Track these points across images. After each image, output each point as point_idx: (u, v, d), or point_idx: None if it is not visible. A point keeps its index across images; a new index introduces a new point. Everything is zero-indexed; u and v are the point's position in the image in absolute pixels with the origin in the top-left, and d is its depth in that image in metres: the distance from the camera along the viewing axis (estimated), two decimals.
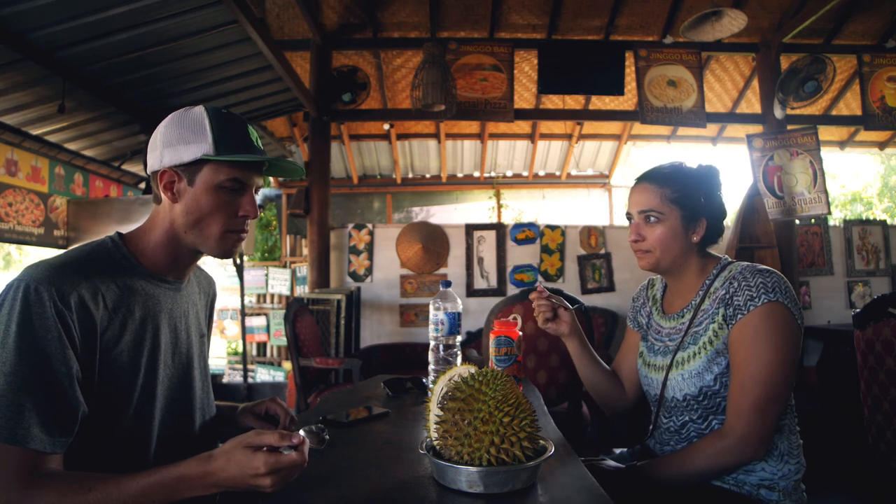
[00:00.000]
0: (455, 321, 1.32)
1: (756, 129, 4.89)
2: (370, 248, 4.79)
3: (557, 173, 7.71)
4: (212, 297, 1.23)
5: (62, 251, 0.94)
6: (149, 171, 1.00)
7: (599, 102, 5.65)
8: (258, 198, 1.05)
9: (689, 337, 1.21)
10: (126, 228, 1.05)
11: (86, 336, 0.85)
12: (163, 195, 0.98)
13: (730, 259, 1.26)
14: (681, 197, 1.21)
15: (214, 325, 1.22)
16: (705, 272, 1.25)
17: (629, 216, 1.28)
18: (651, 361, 1.31)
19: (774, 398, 1.07)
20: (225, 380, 5.46)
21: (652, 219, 1.22)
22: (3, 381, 0.78)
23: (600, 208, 7.84)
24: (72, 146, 4.21)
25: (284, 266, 5.55)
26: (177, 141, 0.95)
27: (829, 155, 6.24)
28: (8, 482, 0.76)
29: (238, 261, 4.40)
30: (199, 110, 0.98)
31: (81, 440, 0.85)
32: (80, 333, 0.84)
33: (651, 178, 1.25)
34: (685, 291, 1.28)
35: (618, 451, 1.38)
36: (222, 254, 1.01)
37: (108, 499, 0.76)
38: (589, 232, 4.89)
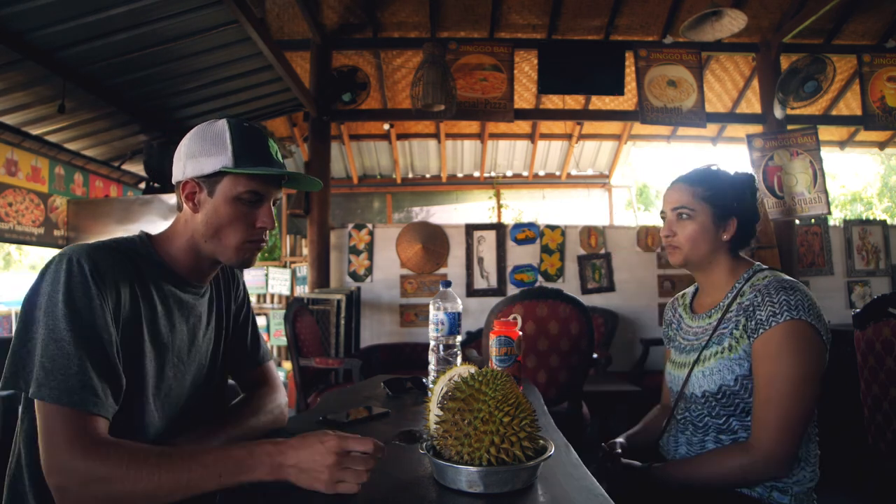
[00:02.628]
0: (455, 321, 1.32)
1: (756, 129, 4.89)
2: (370, 248, 4.79)
3: (557, 173, 7.71)
4: (237, 294, 1.22)
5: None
6: (173, 181, 1.04)
7: (599, 102, 5.65)
8: (275, 209, 1.07)
9: (715, 337, 1.21)
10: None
11: (114, 316, 0.88)
12: (185, 205, 1.02)
13: (762, 266, 1.26)
14: (712, 195, 1.24)
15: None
16: (736, 274, 1.26)
17: (663, 215, 1.31)
18: (677, 359, 1.32)
19: (800, 415, 1.07)
20: None
21: (684, 215, 1.25)
22: (55, 346, 0.80)
23: (600, 208, 7.84)
24: (72, 146, 4.21)
25: (284, 266, 5.55)
26: (199, 153, 0.99)
27: (829, 155, 6.24)
28: (73, 446, 0.77)
29: None
30: (222, 123, 1.01)
31: None
32: (111, 311, 0.87)
33: (685, 179, 1.29)
34: (714, 291, 1.29)
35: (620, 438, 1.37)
36: (240, 264, 1.04)
37: (180, 462, 0.78)
38: (589, 232, 4.89)
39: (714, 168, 1.29)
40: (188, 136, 1.02)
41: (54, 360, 0.79)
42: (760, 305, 1.13)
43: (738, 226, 1.24)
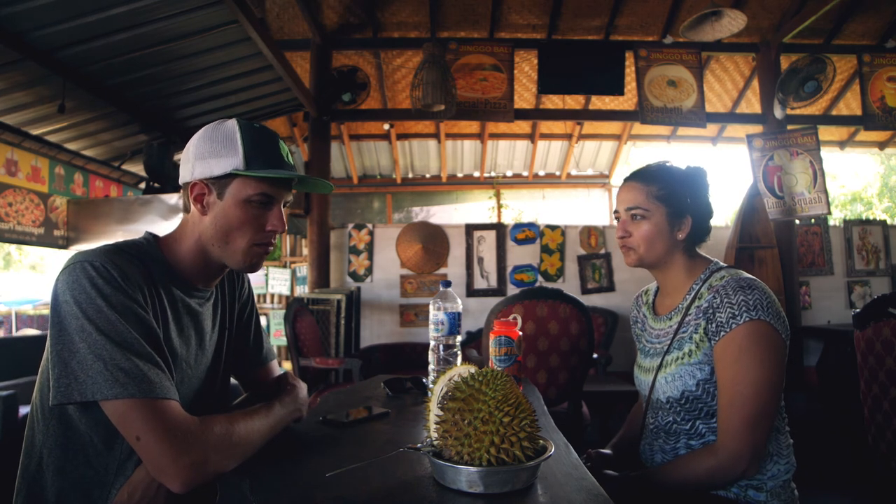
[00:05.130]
0: (455, 321, 1.32)
1: (756, 129, 4.89)
2: (370, 248, 4.79)
3: (557, 173, 7.71)
4: (242, 293, 1.21)
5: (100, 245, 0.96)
6: (180, 182, 1.02)
7: (599, 102, 5.65)
8: (285, 211, 1.06)
9: (675, 341, 1.21)
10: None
11: None
12: (192, 207, 0.99)
13: (720, 264, 1.25)
14: (667, 195, 1.22)
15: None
16: (693, 274, 1.25)
17: (617, 214, 1.30)
18: (643, 364, 1.32)
19: (764, 414, 1.07)
20: None
21: (638, 216, 1.24)
22: (119, 351, 0.80)
23: (600, 208, 7.83)
24: (72, 146, 4.21)
25: (284, 266, 5.55)
26: (208, 154, 0.97)
27: (829, 155, 6.24)
28: (189, 428, 0.81)
29: None
30: (232, 124, 0.99)
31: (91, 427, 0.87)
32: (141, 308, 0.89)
33: (637, 177, 1.27)
34: (673, 291, 1.28)
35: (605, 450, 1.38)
36: (247, 268, 1.02)
37: (265, 418, 0.95)
38: (589, 232, 4.89)
39: (668, 165, 1.27)
40: (196, 136, 1.00)
41: (129, 360, 0.80)
42: (719, 307, 1.12)
43: (693, 223, 1.23)
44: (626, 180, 1.29)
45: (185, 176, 1.00)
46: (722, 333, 1.11)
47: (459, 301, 1.33)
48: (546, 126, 6.67)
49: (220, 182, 0.97)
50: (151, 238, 1.01)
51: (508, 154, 7.32)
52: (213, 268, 1.03)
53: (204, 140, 0.98)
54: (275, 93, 4.31)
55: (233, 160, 0.95)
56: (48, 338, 0.84)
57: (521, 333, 1.30)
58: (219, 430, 0.84)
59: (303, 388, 1.14)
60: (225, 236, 0.98)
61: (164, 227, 1.07)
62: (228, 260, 1.01)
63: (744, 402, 1.07)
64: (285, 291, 5.46)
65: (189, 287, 1.02)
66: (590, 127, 6.76)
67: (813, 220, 4.93)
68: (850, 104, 5.71)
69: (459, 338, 1.34)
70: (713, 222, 1.29)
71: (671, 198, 1.22)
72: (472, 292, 4.73)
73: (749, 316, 1.09)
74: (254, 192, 0.97)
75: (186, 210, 1.02)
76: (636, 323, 1.44)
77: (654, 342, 1.29)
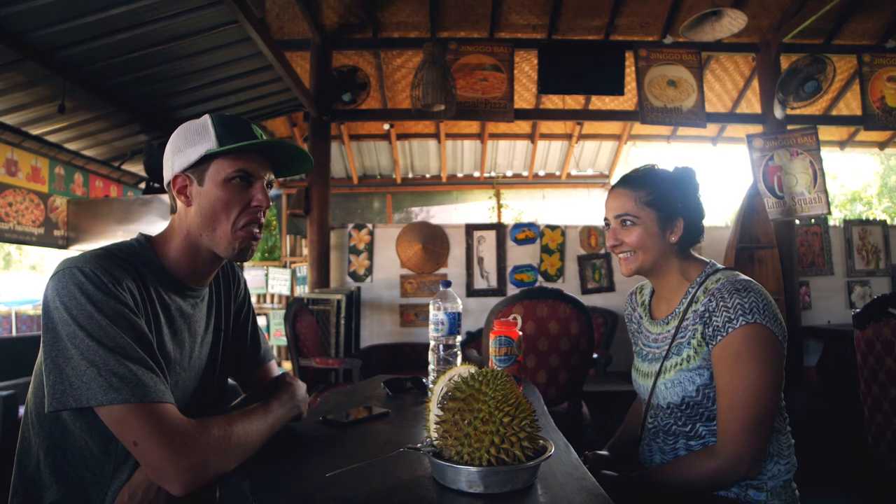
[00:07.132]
0: (455, 321, 1.32)
1: (756, 129, 4.89)
2: (370, 248, 4.79)
3: (557, 173, 7.71)
4: (237, 293, 1.21)
5: (89, 248, 0.96)
6: (165, 183, 1.03)
7: (599, 102, 5.65)
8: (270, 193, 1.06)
9: (674, 347, 1.21)
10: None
11: None
12: (178, 201, 1.00)
13: (716, 266, 1.24)
14: (656, 199, 1.21)
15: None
16: (689, 277, 1.24)
17: (606, 222, 1.28)
18: (641, 368, 1.32)
19: (764, 417, 1.07)
20: None
21: (628, 222, 1.22)
22: (112, 357, 0.80)
23: (600, 208, 7.83)
24: (72, 146, 4.22)
25: (284, 266, 5.55)
26: (184, 145, 0.98)
27: (829, 155, 6.24)
28: (185, 431, 0.80)
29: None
30: (204, 117, 1.01)
31: (88, 431, 0.87)
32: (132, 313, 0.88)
33: (625, 183, 1.25)
34: (669, 295, 1.27)
35: (601, 452, 1.38)
36: (237, 254, 1.01)
37: (263, 418, 0.94)
38: (589, 232, 4.89)
39: (655, 168, 1.26)
40: (172, 136, 1.02)
41: (123, 365, 0.80)
42: (716, 311, 1.12)
43: (685, 225, 1.22)
44: (613, 187, 1.28)
45: (167, 175, 1.01)
46: (719, 338, 1.11)
47: (459, 301, 1.33)
48: (546, 126, 6.67)
49: (199, 169, 0.98)
50: (143, 240, 1.00)
51: (508, 154, 7.33)
52: (204, 263, 1.03)
53: (178, 135, 1.00)
54: (275, 93, 4.32)
55: (206, 144, 0.97)
56: (41, 344, 0.84)
57: (521, 333, 1.30)
58: (217, 432, 0.83)
59: (301, 386, 1.13)
60: (211, 222, 0.98)
61: (163, 228, 1.07)
62: (217, 247, 1.00)
63: (743, 406, 1.07)
64: (285, 291, 5.46)
65: (182, 287, 1.01)
66: (590, 127, 6.76)
67: (813, 220, 4.93)
68: (850, 104, 5.71)
69: (459, 338, 1.34)
70: (711, 222, 1.29)
71: (660, 201, 1.21)
72: (472, 292, 4.73)
73: (745, 319, 1.08)
74: (231, 170, 0.97)
75: (173, 210, 1.03)
76: (631, 322, 1.44)
77: (652, 346, 1.29)
